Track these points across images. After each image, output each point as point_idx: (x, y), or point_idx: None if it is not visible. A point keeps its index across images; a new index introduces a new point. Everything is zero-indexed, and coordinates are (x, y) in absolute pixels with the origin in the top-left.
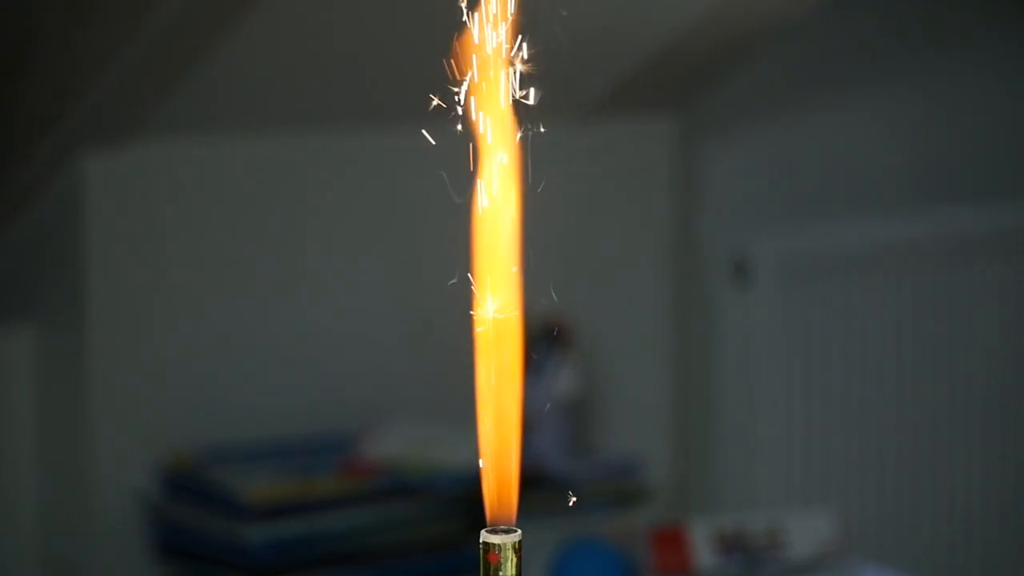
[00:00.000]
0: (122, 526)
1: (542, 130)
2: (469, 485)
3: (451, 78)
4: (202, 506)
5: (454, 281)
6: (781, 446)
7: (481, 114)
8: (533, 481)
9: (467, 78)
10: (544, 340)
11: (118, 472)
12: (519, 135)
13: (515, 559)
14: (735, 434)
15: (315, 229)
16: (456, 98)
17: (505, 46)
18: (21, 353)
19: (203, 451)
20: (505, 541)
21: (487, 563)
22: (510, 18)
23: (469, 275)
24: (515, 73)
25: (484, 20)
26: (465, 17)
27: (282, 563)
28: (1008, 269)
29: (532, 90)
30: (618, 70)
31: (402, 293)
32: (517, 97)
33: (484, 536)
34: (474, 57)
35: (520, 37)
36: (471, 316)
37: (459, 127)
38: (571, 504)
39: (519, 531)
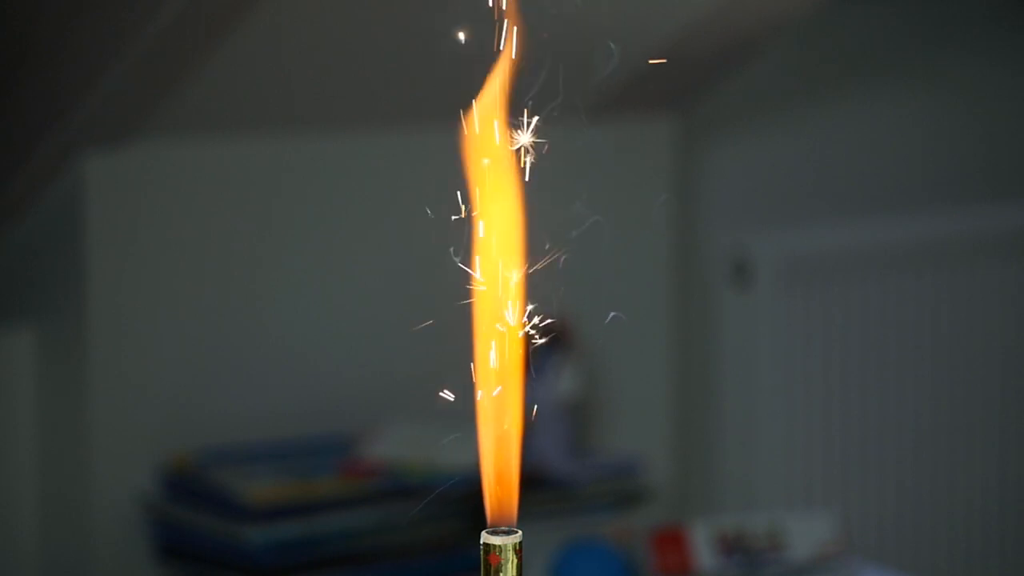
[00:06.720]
0: (122, 527)
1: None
2: (469, 486)
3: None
4: (202, 507)
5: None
6: (781, 447)
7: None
8: (533, 482)
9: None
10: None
11: (118, 473)
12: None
13: (516, 560)
14: (735, 435)
15: (315, 229)
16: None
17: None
18: (21, 353)
19: (203, 452)
20: (506, 542)
21: (488, 564)
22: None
23: (470, 275)
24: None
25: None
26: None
27: (282, 564)
28: (1010, 269)
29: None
30: (618, 71)
31: (402, 293)
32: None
33: (485, 537)
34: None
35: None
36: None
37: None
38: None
39: (520, 532)
